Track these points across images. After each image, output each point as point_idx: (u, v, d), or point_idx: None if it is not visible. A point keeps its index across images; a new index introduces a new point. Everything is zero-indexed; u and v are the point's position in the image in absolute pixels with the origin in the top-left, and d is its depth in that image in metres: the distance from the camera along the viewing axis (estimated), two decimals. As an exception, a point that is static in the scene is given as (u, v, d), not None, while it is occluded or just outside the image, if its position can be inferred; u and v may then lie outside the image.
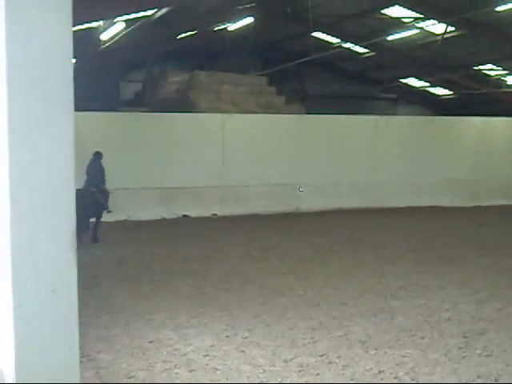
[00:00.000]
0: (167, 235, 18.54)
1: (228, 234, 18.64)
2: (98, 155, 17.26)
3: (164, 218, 22.71)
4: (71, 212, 4.65)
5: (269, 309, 9.23)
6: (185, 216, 23.04)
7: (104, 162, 18.62)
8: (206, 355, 7.25)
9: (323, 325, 8.35)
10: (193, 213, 22.73)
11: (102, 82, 29.29)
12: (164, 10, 21.07)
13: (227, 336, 7.93)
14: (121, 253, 15.14)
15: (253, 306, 9.43)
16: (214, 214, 23.44)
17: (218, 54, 29.65)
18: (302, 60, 24.87)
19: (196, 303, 9.63)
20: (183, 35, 26.90)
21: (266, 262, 13.31)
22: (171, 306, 9.49)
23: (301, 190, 25.31)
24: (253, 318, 8.71)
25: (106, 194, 17.00)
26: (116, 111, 25.97)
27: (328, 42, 30.15)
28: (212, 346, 7.56)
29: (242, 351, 7.36)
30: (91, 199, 16.29)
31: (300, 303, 9.57)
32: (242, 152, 24.68)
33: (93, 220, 16.79)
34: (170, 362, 7.07)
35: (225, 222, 21.94)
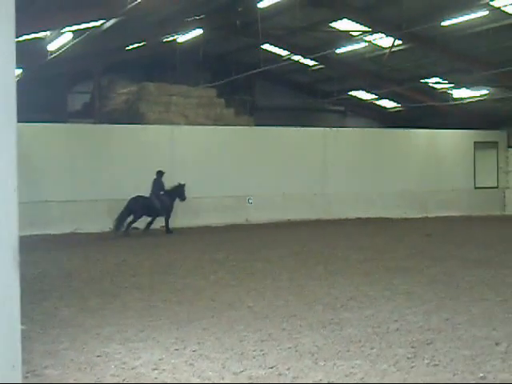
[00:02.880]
0: (115, 248, 18.36)
1: (178, 247, 18.53)
2: (159, 173, 22.34)
3: (112, 231, 22.48)
4: (13, 226, 4.53)
5: (218, 321, 9.18)
6: (134, 228, 22.81)
7: (50, 174, 19.93)
8: (155, 369, 7.16)
9: (273, 337, 8.33)
10: (142, 225, 22.55)
11: (49, 92, 28.94)
12: (113, 21, 20.93)
13: (176, 349, 7.85)
14: (68, 266, 14.94)
15: (202, 318, 9.37)
16: (163, 226, 23.28)
17: (167, 66, 29.54)
18: (251, 72, 24.92)
19: (145, 317, 9.53)
20: (132, 46, 26.76)
21: (215, 275, 13.26)
22: (119, 319, 9.37)
23: (250, 201, 25.34)
24: (202, 331, 8.65)
25: (162, 201, 22.11)
26: (63, 122, 25.71)
27: (277, 54, 30.30)
28: (161, 359, 7.47)
29: (191, 364, 7.29)
30: (151, 205, 21.83)
31: (249, 316, 9.54)
32: (191, 164, 24.62)
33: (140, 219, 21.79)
34: (118, 376, 6.97)
35: (174, 234, 21.82)
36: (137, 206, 21.54)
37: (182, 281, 12.62)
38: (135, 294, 11.36)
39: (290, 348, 7.82)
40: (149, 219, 22.19)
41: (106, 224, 22.69)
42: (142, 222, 22.04)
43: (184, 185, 22.51)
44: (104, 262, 15.40)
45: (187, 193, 22.54)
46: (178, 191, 22.51)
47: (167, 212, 22.31)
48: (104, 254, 16.88)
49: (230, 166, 25.29)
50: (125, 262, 15.35)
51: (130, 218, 21.58)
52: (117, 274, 13.54)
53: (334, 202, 26.88)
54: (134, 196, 21.64)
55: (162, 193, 22.22)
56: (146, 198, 21.91)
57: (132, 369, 7.17)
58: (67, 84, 30.88)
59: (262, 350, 7.73)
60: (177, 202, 22.49)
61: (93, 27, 21.13)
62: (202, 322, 9.17)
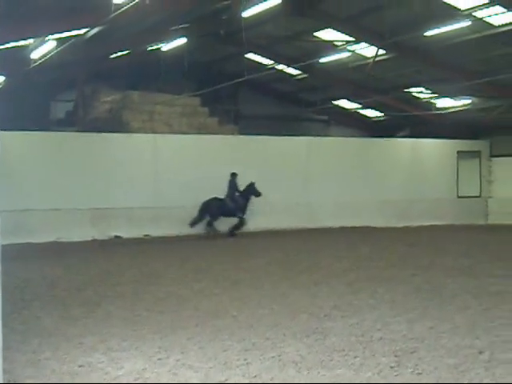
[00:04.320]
0: (98, 256, 18.28)
1: (161, 256, 18.48)
2: (233, 175, 23.69)
3: (95, 239, 22.41)
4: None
5: (202, 331, 9.15)
6: (117, 237, 22.78)
7: (33, 182, 20.22)
8: (138, 378, 7.12)
9: (256, 346, 8.30)
10: (125, 234, 22.50)
11: (32, 100, 28.80)
12: (97, 29, 20.88)
13: (159, 359, 7.81)
14: (51, 275, 14.85)
15: (186, 328, 9.33)
16: (147, 235, 23.24)
17: (151, 75, 29.49)
18: (235, 81, 24.92)
19: (128, 326, 9.47)
20: (116, 55, 26.70)
21: (199, 284, 13.22)
22: (102, 329, 9.31)
23: (234, 211, 25.26)
24: (186, 340, 8.61)
25: (237, 203, 23.48)
26: (46, 131, 25.60)
27: (261, 63, 30.32)
28: (144, 369, 7.43)
29: (175, 374, 7.26)
30: (226, 206, 23.21)
31: (233, 325, 9.51)
32: (174, 173, 24.59)
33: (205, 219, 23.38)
34: (100, 386, 6.92)
35: (158, 243, 21.77)
36: (212, 208, 23.14)
37: (165, 290, 12.57)
38: (118, 303, 11.30)
39: (273, 357, 7.80)
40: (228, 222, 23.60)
41: (88, 233, 22.62)
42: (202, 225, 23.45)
43: (254, 183, 23.70)
44: (87, 271, 15.32)
45: (256, 190, 23.84)
46: (251, 190, 23.74)
47: (242, 212, 23.63)
48: (87, 263, 16.79)
49: (214, 175, 25.24)
50: (108, 271, 15.28)
51: (203, 219, 23.24)
52: (99, 283, 13.46)
53: (317, 211, 26.88)
54: (208, 198, 23.14)
55: (237, 194, 23.63)
56: (221, 199, 23.34)
57: (115, 378, 7.13)
58: (50, 92, 30.74)
59: (245, 360, 7.71)
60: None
61: (76, 35, 21.08)
62: (186, 331, 9.13)
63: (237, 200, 23.64)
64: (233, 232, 23.61)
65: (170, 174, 24.57)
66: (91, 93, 29.70)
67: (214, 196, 23.24)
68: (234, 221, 23.83)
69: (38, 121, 27.95)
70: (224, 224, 23.66)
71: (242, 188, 23.82)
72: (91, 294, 12.28)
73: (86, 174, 23.30)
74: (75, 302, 11.34)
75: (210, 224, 23.45)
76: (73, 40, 21.03)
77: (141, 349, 8.23)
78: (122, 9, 16.02)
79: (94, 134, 24.83)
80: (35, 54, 22.32)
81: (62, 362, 7.69)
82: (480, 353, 7.82)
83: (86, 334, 9.02)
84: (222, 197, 23.51)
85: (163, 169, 24.56)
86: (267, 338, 8.68)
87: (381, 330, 9.03)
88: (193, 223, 23.20)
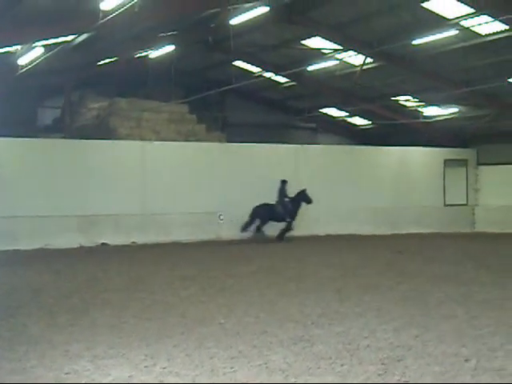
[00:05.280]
0: (85, 264, 18.22)
1: (148, 263, 18.43)
2: (283, 182, 24.87)
3: (82, 246, 22.35)
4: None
5: (188, 338, 9.13)
6: (104, 244, 22.73)
7: (20, 189, 20.53)
8: (125, 386, 7.09)
9: (243, 354, 8.29)
10: (112, 241, 22.44)
11: (19, 107, 28.73)
12: (84, 36, 20.87)
13: (146, 366, 7.78)
14: (38, 282, 14.79)
15: (172, 335, 9.31)
16: (134, 242, 23.19)
17: (139, 81, 29.48)
18: (223, 88, 24.95)
19: (114, 333, 9.44)
20: (104, 61, 26.67)
21: (186, 291, 13.19)
22: (89, 336, 9.28)
23: (221, 218, 25.29)
24: (172, 348, 8.59)
25: (286, 208, 24.57)
26: (34, 137, 25.52)
27: (249, 71, 30.37)
28: (130, 376, 7.40)
29: (161, 381, 7.23)
30: (275, 211, 24.33)
31: (220, 332, 9.49)
32: (162, 179, 24.56)
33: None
34: (86, 394, 6.89)
35: (145, 250, 21.73)
36: (262, 212, 24.27)
37: (152, 297, 12.53)
38: (105, 310, 11.26)
39: (260, 365, 7.79)
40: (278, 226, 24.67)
41: (75, 240, 22.55)
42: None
43: (305, 189, 24.82)
44: (73, 278, 15.27)
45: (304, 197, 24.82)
46: (302, 196, 24.84)
47: (291, 217, 24.65)
48: (74, 270, 16.73)
49: (201, 182, 25.25)
50: (94, 278, 15.23)
51: (254, 224, 24.33)
52: (86, 291, 13.42)
53: (304, 219, 26.89)
54: (258, 204, 24.24)
55: (286, 200, 24.68)
56: (271, 204, 24.46)
57: (101, 386, 7.10)
58: (37, 98, 30.68)
59: (232, 367, 7.69)
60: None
61: (64, 42, 21.05)
62: (172, 338, 9.11)
63: (286, 205, 24.66)
64: (281, 236, 24.56)
65: (157, 181, 24.54)
66: (79, 99, 29.67)
67: (264, 202, 24.36)
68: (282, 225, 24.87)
69: (25, 127, 27.87)
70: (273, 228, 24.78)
71: (293, 194, 24.89)
72: (78, 301, 12.23)
73: (73, 180, 23.22)
74: (62, 309, 11.29)
75: (258, 229, 24.49)
76: (60, 46, 21.01)
77: (127, 356, 8.20)
78: (110, 16, 16.01)
79: (82, 141, 24.79)
80: (22, 61, 22.28)
81: (48, 370, 7.65)
82: (466, 361, 7.84)
83: (73, 341, 8.98)
84: (273, 202, 24.60)
85: (151, 176, 24.53)
86: (254, 346, 8.66)
87: (368, 337, 9.04)
88: (244, 227, 24.16)
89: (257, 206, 24.29)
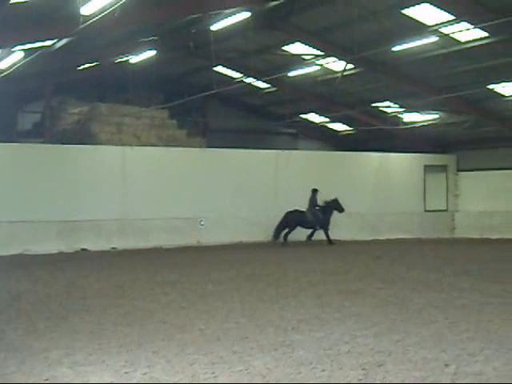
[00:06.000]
0: (65, 269, 18.11)
1: (128, 268, 18.36)
2: (314, 191, 25.84)
3: (62, 252, 22.23)
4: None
5: (169, 344, 9.09)
6: (83, 250, 22.63)
7: (0, 193, 20.37)
8: (104, 392, 7.05)
9: (224, 360, 8.27)
10: (92, 246, 22.33)
11: (-1, 111, 28.58)
12: (65, 41, 20.78)
13: (126, 372, 7.74)
14: (16, 288, 14.68)
15: (153, 341, 9.26)
16: (114, 248, 23.10)
17: (119, 87, 29.41)
18: (204, 94, 24.94)
19: (94, 340, 9.38)
20: (84, 66, 26.58)
21: (166, 297, 13.15)
22: (68, 342, 9.21)
23: (202, 223, 25.26)
24: (153, 354, 8.55)
25: (315, 215, 25.47)
26: (13, 142, 25.39)
27: (230, 76, 30.38)
28: (110, 382, 7.36)
29: (147, 386, 7.20)
30: (305, 218, 25.29)
31: (200, 338, 9.46)
32: (142, 185, 24.50)
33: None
34: (65, 400, 6.84)
35: (125, 255, 21.64)
36: (292, 219, 25.12)
37: (132, 303, 12.48)
38: (84, 316, 11.19)
39: (241, 370, 7.78)
40: (308, 232, 25.83)
41: (55, 245, 22.43)
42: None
43: (337, 199, 25.79)
44: (53, 284, 15.18)
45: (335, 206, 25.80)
46: (334, 205, 25.86)
47: (320, 225, 25.61)
48: (53, 276, 16.63)
49: (182, 188, 25.21)
50: (74, 284, 15.14)
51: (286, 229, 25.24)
52: (66, 296, 13.34)
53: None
54: (290, 210, 25.14)
55: (317, 208, 25.67)
56: (302, 211, 25.39)
57: (80, 393, 7.05)
58: (17, 103, 30.53)
59: (213, 373, 7.67)
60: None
61: (44, 46, 20.95)
62: (153, 344, 9.07)
63: (315, 213, 25.59)
64: (330, 240, 25.47)
65: (137, 186, 24.47)
66: (59, 104, 29.55)
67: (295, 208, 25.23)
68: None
69: (4, 132, 27.72)
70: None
71: (323, 202, 25.87)
72: (57, 307, 12.15)
73: (53, 186, 23.12)
74: (41, 316, 11.21)
75: (286, 235, 25.28)
76: (40, 51, 20.91)
77: (107, 362, 8.16)
78: (91, 21, 15.95)
79: (62, 146, 24.69)
80: (2, 65, 22.15)
81: (27, 376, 7.60)
82: (446, 365, 7.86)
83: (52, 347, 8.91)
84: (303, 209, 25.48)
85: (131, 181, 24.46)
86: (235, 352, 8.64)
87: (348, 343, 9.05)
88: (276, 235, 25.19)
89: (288, 212, 25.16)
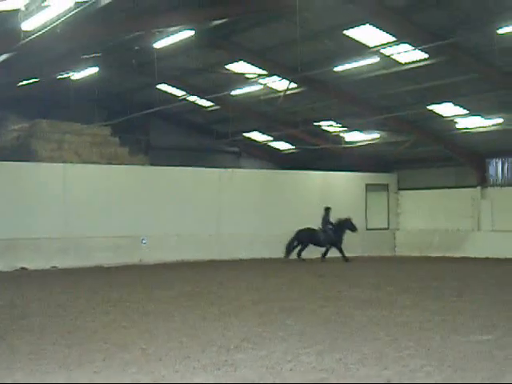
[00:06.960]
0: (2, 289, 17.75)
1: (69, 287, 18.09)
2: (327, 209, 26.76)
3: (0, 271, 21.81)
4: None
5: (110, 364, 8.96)
6: (23, 268, 22.26)
7: None
8: (43, 415, 6.90)
9: (166, 379, 8.18)
10: (31, 265, 21.95)
11: None
12: (4, 56, 20.51)
13: (66, 393, 7.61)
14: (-48, 308, 14.33)
15: (93, 361, 9.13)
16: (54, 267, 22.77)
17: (61, 103, 29.10)
18: (147, 111, 24.84)
19: (33, 361, 9.20)
20: (25, 82, 26.25)
21: (108, 316, 12.99)
22: (6, 363, 9.01)
23: (144, 241, 25.10)
24: (93, 374, 8.42)
25: (327, 234, 26.26)
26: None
27: (173, 94, 30.35)
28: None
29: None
30: (316, 236, 26.10)
31: (142, 358, 9.36)
32: (84, 202, 24.26)
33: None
34: (3, 423, 6.68)
35: (65, 274, 21.33)
36: (304, 237, 26.04)
37: (72, 322, 12.29)
38: (23, 336, 10.97)
39: (183, 390, 7.71)
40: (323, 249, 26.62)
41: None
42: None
43: (350, 218, 26.58)
44: (-10, 304, 14.86)
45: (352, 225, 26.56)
46: (346, 224, 26.56)
47: (332, 243, 26.37)
48: (-9, 295, 16.29)
49: (124, 206, 25.01)
50: (12, 304, 14.85)
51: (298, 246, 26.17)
52: (4, 316, 13.06)
53: (228, 243, 26.91)
54: (302, 228, 25.97)
55: (330, 227, 26.35)
56: (314, 229, 26.19)
57: (18, 415, 6.90)
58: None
59: (154, 393, 7.59)
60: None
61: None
62: (93, 364, 8.93)
63: (327, 232, 26.30)
64: (346, 257, 26.24)
65: (79, 204, 24.20)
66: (-1, 121, 29.10)
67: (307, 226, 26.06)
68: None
69: None
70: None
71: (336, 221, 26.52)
72: (-5, 327, 11.90)
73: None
74: (-22, 336, 10.96)
75: (299, 252, 26.23)
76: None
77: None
78: (32, 36, 15.78)
79: (1, 163, 24.27)
80: None
81: (-38, 399, 7.41)
82: (388, 382, 7.91)
83: (-11, 369, 8.71)
84: (315, 228, 26.24)
85: (72, 199, 24.17)
86: (177, 371, 8.56)
87: (291, 361, 9.05)
88: (287, 252, 25.91)
89: (300, 230, 25.94)
